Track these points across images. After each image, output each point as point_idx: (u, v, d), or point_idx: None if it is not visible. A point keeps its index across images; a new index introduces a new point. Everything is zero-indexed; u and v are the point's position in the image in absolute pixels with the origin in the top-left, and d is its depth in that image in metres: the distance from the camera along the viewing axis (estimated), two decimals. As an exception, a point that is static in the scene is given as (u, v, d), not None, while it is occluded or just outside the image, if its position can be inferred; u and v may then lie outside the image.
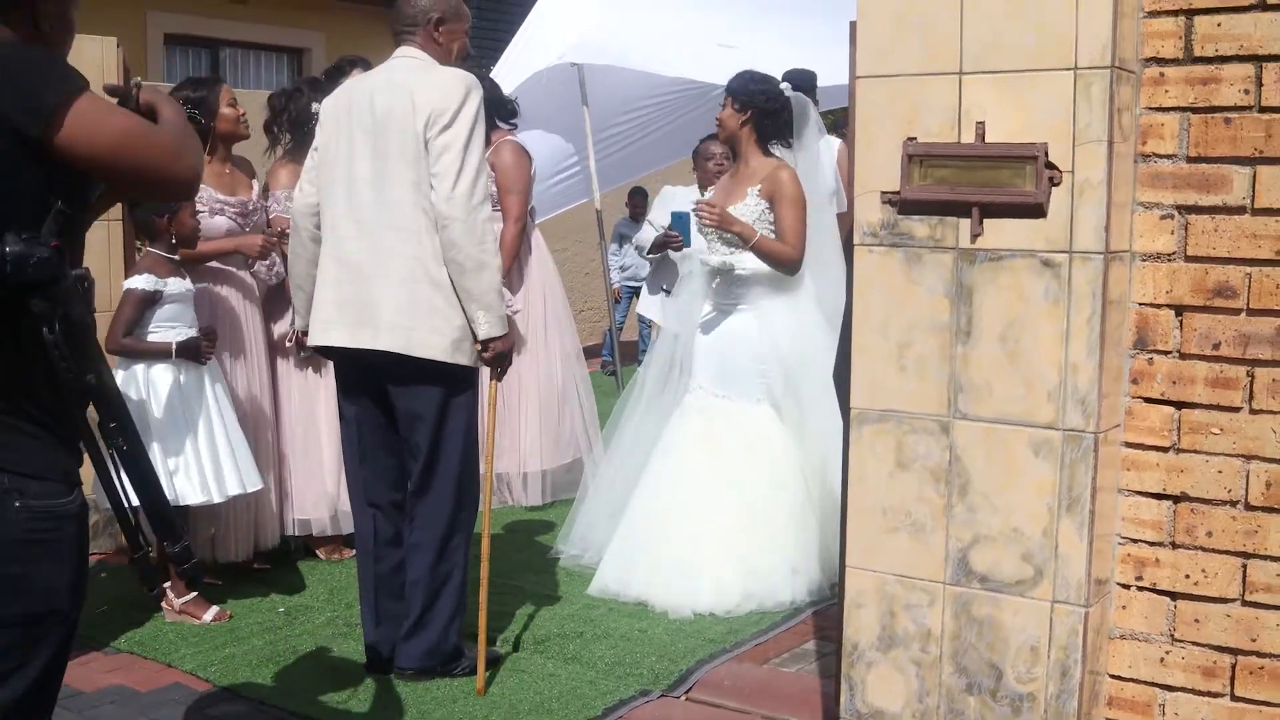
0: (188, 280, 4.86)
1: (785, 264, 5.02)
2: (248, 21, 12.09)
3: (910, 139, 2.86)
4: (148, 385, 4.66)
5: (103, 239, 5.36)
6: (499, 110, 6.15)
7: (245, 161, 5.41)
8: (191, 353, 4.70)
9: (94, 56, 5.42)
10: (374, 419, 4.16)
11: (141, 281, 4.69)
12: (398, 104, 3.91)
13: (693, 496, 4.97)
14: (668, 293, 6.91)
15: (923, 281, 2.89)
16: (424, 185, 3.89)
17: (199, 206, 5.06)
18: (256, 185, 5.41)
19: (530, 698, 4.07)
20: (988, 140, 2.77)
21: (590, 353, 12.22)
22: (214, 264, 5.15)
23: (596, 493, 5.43)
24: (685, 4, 9.40)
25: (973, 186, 2.79)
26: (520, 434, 6.32)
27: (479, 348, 3.97)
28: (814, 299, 5.10)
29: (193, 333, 4.78)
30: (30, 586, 2.12)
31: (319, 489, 5.52)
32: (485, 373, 4.20)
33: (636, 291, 11.30)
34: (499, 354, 3.98)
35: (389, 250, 3.93)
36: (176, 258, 4.83)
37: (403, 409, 4.06)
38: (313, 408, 5.53)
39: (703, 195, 5.71)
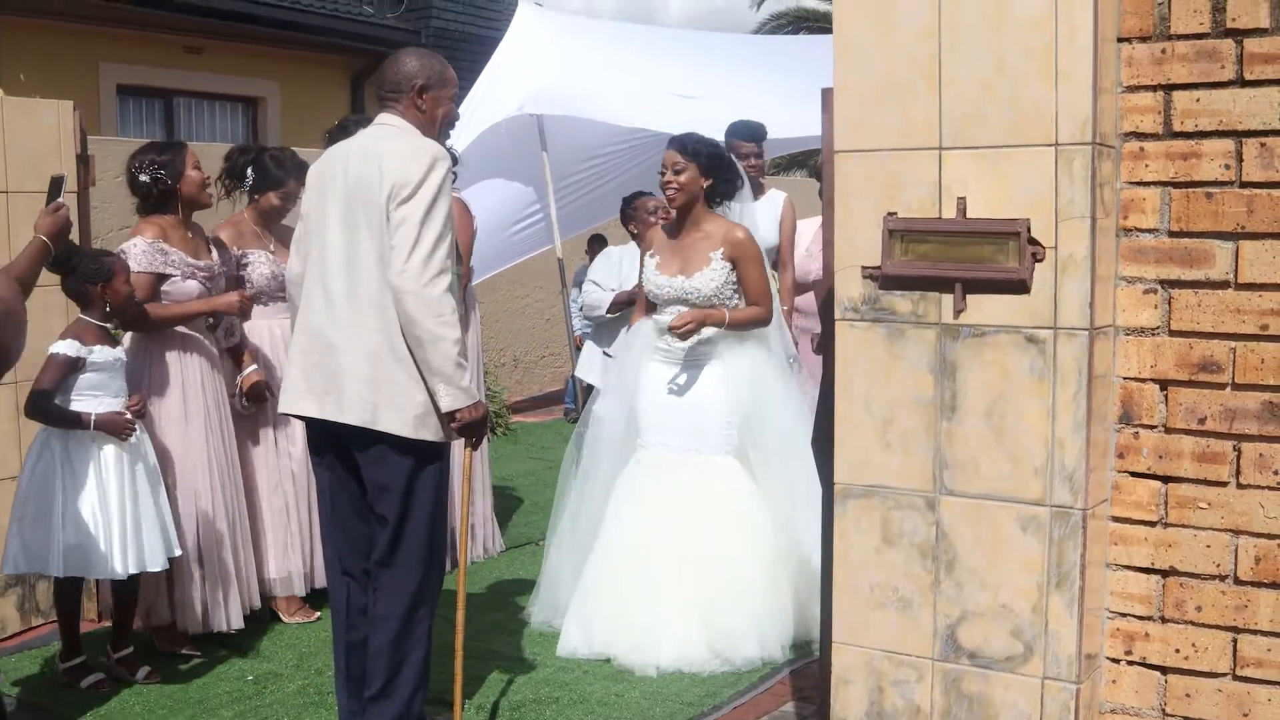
0: (118, 349, 4.75)
1: (760, 324, 5.05)
2: (201, 71, 12.03)
3: (890, 214, 2.85)
4: (65, 455, 4.56)
5: (60, 302, 5.25)
6: None
7: (198, 226, 5.34)
8: (112, 428, 4.60)
9: (50, 120, 5.35)
10: (345, 486, 4.09)
11: (65, 347, 4.59)
12: (367, 173, 3.86)
13: (653, 554, 4.93)
14: (608, 355, 6.89)
15: (905, 356, 2.88)
16: (387, 258, 3.84)
17: (172, 271, 4.99)
18: (215, 250, 5.34)
19: (509, 770, 4.01)
20: (969, 215, 2.76)
21: (553, 399, 12.20)
22: (179, 328, 5.08)
23: (559, 553, 5.37)
24: (642, 55, 9.46)
25: (955, 262, 2.78)
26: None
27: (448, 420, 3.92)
28: (767, 348, 5.12)
29: (116, 404, 4.67)
30: None
31: (281, 550, 5.45)
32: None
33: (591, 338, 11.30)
34: (467, 424, 3.91)
35: (354, 323, 3.88)
36: (109, 326, 4.74)
37: (370, 479, 4.00)
38: (270, 472, 5.48)
39: (641, 250, 5.71)
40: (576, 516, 5.31)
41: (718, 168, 5.12)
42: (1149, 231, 2.74)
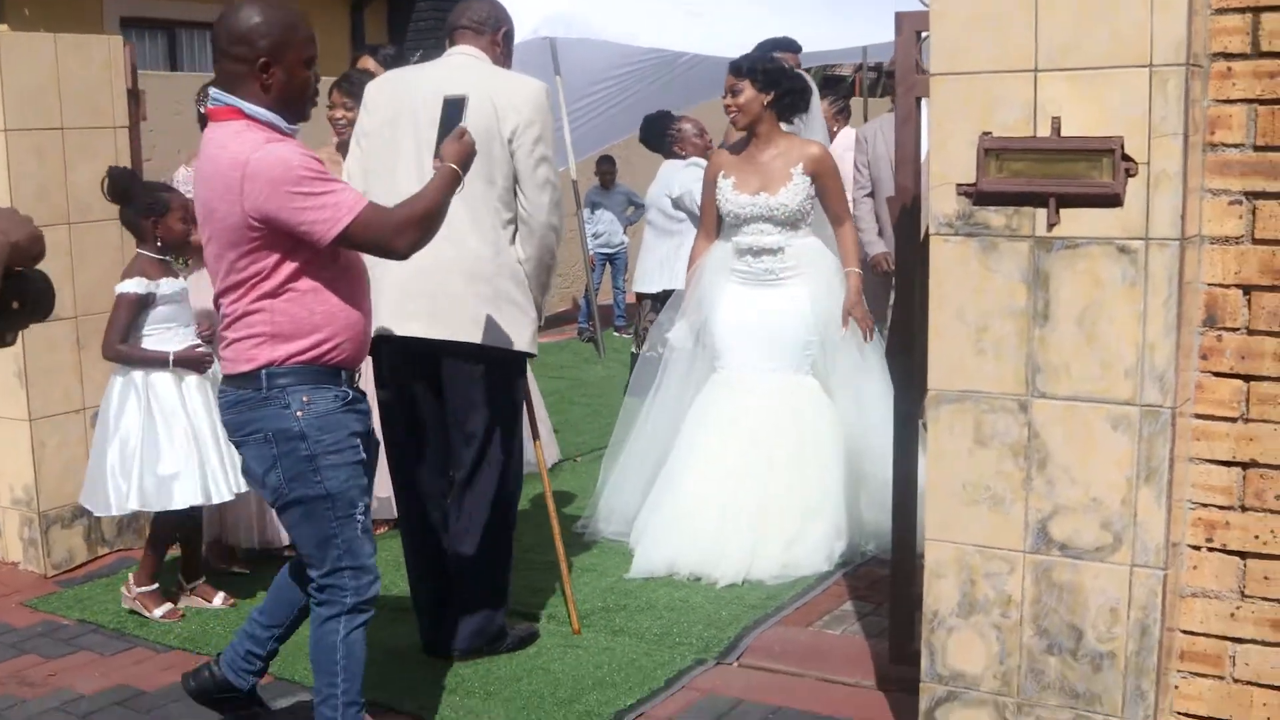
0: (181, 279, 4.86)
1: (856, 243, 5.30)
2: (204, 2, 11.96)
3: (986, 133, 3.01)
4: (148, 392, 4.67)
5: (115, 237, 5.36)
6: None
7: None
8: (191, 364, 4.72)
9: (101, 55, 5.42)
10: (423, 409, 4.25)
11: (133, 285, 4.66)
12: (475, 102, 3.95)
13: (728, 472, 5.09)
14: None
15: (999, 268, 3.05)
16: (495, 185, 3.99)
17: None
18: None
19: (591, 672, 4.21)
20: (1064, 135, 2.92)
21: (567, 319, 12.33)
22: None
23: (626, 465, 5.54)
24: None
25: (1049, 178, 2.94)
26: None
27: None
28: (835, 260, 5.25)
29: (189, 333, 4.78)
30: None
31: None
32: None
33: (609, 258, 11.43)
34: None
35: (465, 245, 4.02)
36: (167, 258, 4.82)
37: (461, 397, 4.15)
38: None
39: (707, 174, 5.81)
40: (643, 434, 5.47)
41: (776, 82, 5.15)
42: (1235, 146, 2.91)
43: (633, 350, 7.81)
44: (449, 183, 3.37)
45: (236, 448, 3.42)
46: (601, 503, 5.61)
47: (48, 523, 5.30)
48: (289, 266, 3.21)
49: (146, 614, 4.79)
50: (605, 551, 5.39)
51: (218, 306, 3.37)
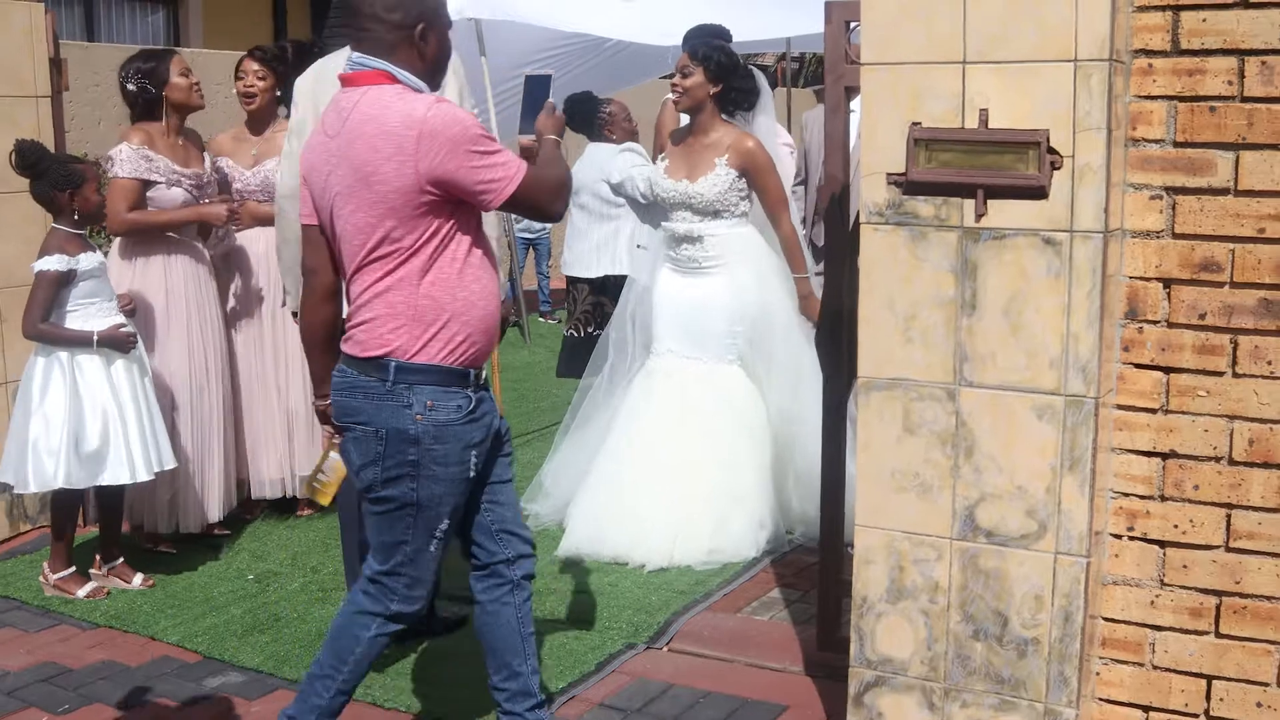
0: (98, 254, 4.80)
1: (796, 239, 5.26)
2: (122, -28, 11.80)
3: (915, 124, 3.03)
4: (74, 369, 4.62)
5: (37, 208, 5.26)
6: None
7: (194, 133, 5.37)
8: (116, 344, 4.66)
9: (22, 22, 5.32)
10: None
11: (53, 262, 4.59)
12: None
13: (656, 456, 5.12)
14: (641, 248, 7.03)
15: (928, 258, 3.08)
16: None
17: (157, 178, 5.03)
18: (207, 157, 5.37)
19: (522, 657, 4.21)
20: (991, 126, 2.95)
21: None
22: (169, 234, 5.13)
23: (563, 452, 5.55)
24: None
25: (977, 169, 2.97)
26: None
27: None
28: (774, 253, 5.26)
29: (112, 307, 4.73)
30: None
31: (275, 452, 5.58)
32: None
33: (532, 243, 11.39)
34: None
35: None
36: (83, 232, 4.75)
37: None
38: (265, 372, 5.58)
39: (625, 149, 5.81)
40: (586, 420, 5.48)
41: (727, 74, 5.15)
42: (1155, 142, 2.96)
43: (566, 332, 7.77)
44: (559, 153, 3.40)
45: (339, 429, 3.28)
46: (545, 483, 5.61)
47: (-33, 499, 5.21)
48: (444, 238, 3.10)
49: (70, 597, 4.74)
50: (537, 535, 5.38)
51: (348, 288, 3.21)
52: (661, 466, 5.11)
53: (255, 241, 5.55)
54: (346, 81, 3.17)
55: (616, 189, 6.88)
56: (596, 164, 7.42)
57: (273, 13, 13.29)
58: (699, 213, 5.16)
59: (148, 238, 5.10)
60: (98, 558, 4.94)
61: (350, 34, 3.22)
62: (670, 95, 5.35)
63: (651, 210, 6.72)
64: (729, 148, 5.13)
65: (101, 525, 5.00)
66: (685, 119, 5.56)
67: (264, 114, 5.56)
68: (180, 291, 5.19)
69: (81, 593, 4.78)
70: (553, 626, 4.45)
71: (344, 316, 3.31)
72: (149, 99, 5.09)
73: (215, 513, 5.35)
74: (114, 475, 4.63)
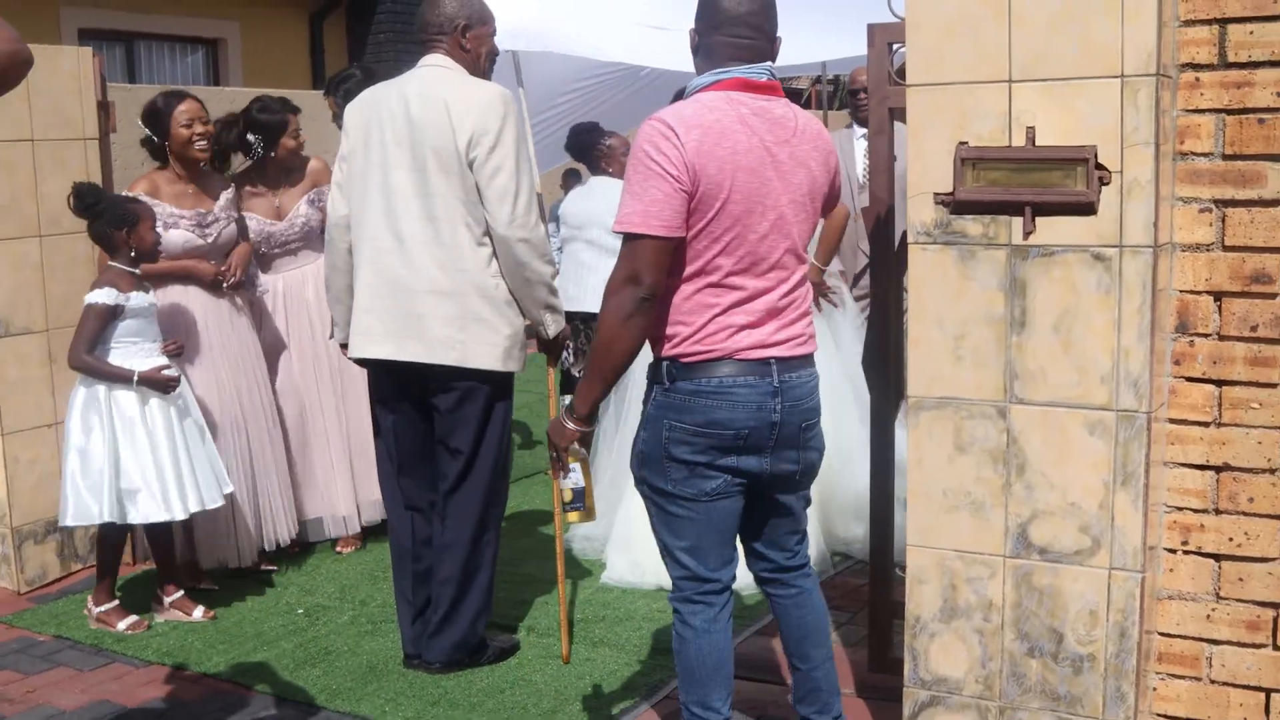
0: (150, 294, 4.86)
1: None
2: (162, 14, 11.93)
3: (962, 143, 3.05)
4: (110, 405, 4.67)
5: (85, 250, 5.34)
6: None
7: (210, 174, 5.40)
8: (156, 385, 4.71)
9: (71, 66, 5.41)
10: (412, 427, 4.28)
11: (104, 296, 4.66)
12: (433, 117, 3.98)
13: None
14: None
15: (976, 276, 3.09)
16: (469, 200, 3.98)
17: None
18: (225, 195, 5.36)
19: (573, 683, 4.23)
20: (1038, 144, 2.97)
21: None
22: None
23: (598, 479, 5.56)
24: (615, -13, 9.55)
25: (1025, 187, 2.98)
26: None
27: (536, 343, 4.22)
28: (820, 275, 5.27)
29: (154, 349, 4.78)
30: None
31: (320, 489, 5.62)
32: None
33: None
34: (552, 343, 4.31)
35: (435, 264, 4.03)
36: (137, 271, 4.82)
37: (446, 415, 4.17)
38: (309, 408, 5.62)
39: None
40: (613, 447, 5.49)
41: None
42: (1204, 155, 2.96)
43: (567, 367, 7.56)
44: None
45: (804, 429, 3.30)
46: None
47: (20, 539, 5.27)
48: None
49: (113, 630, 4.78)
50: (577, 564, 5.41)
51: (755, 294, 3.15)
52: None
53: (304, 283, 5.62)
54: (769, 90, 3.19)
55: None
56: (605, 198, 7.04)
57: (310, 50, 13.44)
58: None
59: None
60: (159, 593, 4.97)
61: (756, 49, 3.19)
62: None
63: None
64: None
65: (157, 561, 5.04)
66: None
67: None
68: (200, 327, 5.19)
69: (123, 625, 4.81)
70: (603, 654, 4.46)
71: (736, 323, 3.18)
72: (154, 146, 5.18)
73: (248, 554, 5.38)
74: (148, 513, 4.67)
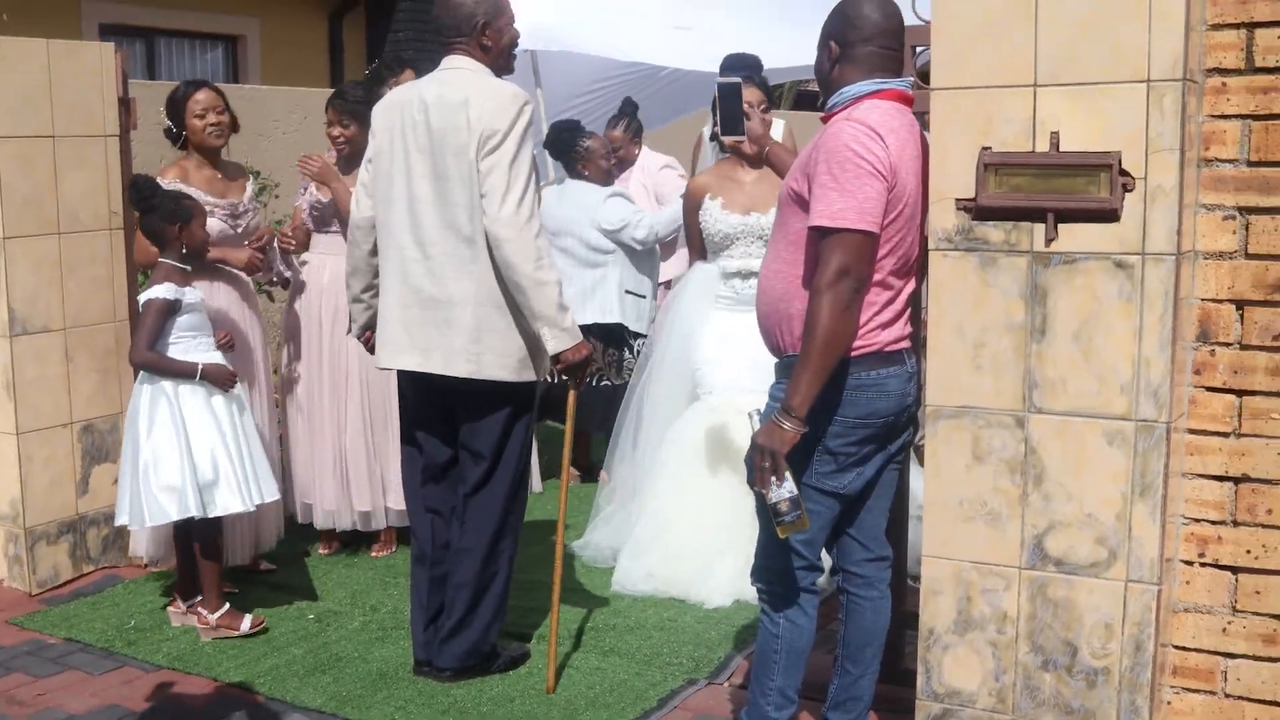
0: (199, 290, 4.87)
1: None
2: (182, 9, 11.97)
3: (985, 148, 3.02)
4: (177, 400, 4.66)
5: (105, 248, 5.34)
6: None
7: (234, 165, 5.44)
8: (218, 380, 4.70)
9: (93, 62, 5.41)
10: (436, 431, 4.26)
11: (164, 291, 4.64)
12: (452, 123, 3.94)
13: (713, 496, 5.07)
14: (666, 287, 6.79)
15: (997, 284, 3.06)
16: (478, 206, 3.96)
17: None
18: (250, 186, 5.40)
19: (584, 692, 4.19)
20: (1062, 149, 2.94)
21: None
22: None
23: (613, 488, 5.54)
24: (636, -13, 9.50)
25: (1048, 193, 2.96)
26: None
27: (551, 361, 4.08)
28: None
29: (211, 343, 4.78)
30: None
31: (325, 485, 5.60)
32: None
33: None
34: (571, 365, 4.06)
35: (454, 273, 3.99)
36: (189, 268, 4.82)
37: (468, 422, 4.16)
38: (318, 403, 5.61)
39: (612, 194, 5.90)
40: (627, 459, 5.46)
41: (772, 104, 5.20)
42: (1229, 162, 2.93)
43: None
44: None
45: (903, 420, 3.36)
46: (597, 525, 5.60)
47: (33, 539, 5.24)
48: None
49: (234, 634, 4.74)
50: (590, 572, 5.37)
51: (899, 292, 3.25)
52: (721, 504, 5.03)
53: (321, 270, 5.60)
54: (908, 101, 3.26)
55: (612, 235, 6.61)
56: (582, 206, 6.80)
57: (329, 47, 13.47)
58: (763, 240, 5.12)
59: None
60: (178, 594, 4.93)
61: (900, 61, 3.30)
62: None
63: (641, 257, 6.67)
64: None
65: (203, 560, 4.93)
66: (712, 153, 5.55)
67: (355, 158, 5.55)
68: (223, 317, 5.19)
69: (245, 625, 4.76)
70: (614, 663, 4.42)
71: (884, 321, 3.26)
72: (173, 139, 5.21)
73: (245, 550, 5.36)
74: (226, 505, 4.64)
